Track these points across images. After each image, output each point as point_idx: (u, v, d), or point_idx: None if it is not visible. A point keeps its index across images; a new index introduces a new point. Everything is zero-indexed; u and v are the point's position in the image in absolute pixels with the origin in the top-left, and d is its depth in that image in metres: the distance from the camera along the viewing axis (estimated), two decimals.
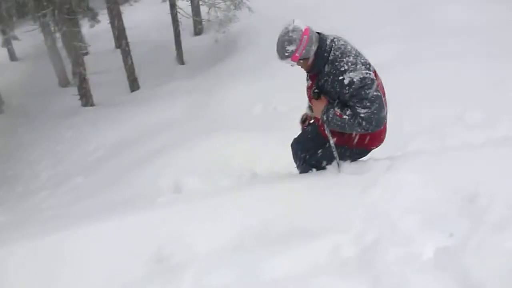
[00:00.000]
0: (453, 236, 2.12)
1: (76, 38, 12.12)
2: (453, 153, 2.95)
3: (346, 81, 2.65)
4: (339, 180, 2.87)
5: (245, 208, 2.72)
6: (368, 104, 2.63)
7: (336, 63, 2.70)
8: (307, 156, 3.32)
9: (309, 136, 3.32)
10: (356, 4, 12.52)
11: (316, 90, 2.92)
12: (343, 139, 3.00)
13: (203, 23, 16.72)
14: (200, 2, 16.17)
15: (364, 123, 2.66)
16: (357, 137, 2.93)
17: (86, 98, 12.02)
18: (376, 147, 3.11)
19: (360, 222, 2.34)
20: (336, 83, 2.71)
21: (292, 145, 3.45)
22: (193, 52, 15.26)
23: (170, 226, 2.62)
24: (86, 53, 15.32)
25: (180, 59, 15.08)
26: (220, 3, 14.65)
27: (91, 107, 11.97)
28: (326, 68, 2.76)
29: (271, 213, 2.59)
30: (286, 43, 2.70)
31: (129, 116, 9.62)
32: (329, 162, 3.16)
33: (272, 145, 5.46)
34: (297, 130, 3.61)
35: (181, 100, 9.68)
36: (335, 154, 3.02)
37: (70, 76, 13.44)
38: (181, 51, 14.96)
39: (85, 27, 15.98)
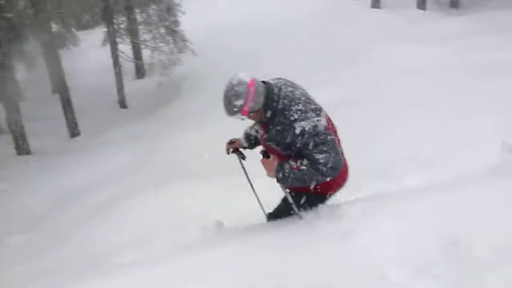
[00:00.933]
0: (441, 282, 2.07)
1: (10, 84, 11.48)
2: (425, 195, 2.92)
3: (297, 131, 2.58)
4: (315, 229, 2.72)
5: (220, 269, 2.50)
6: (325, 148, 2.56)
7: (286, 112, 2.62)
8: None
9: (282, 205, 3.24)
10: (299, 49, 12.92)
11: (263, 150, 2.84)
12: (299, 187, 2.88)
13: (146, 66, 16.54)
14: (142, 46, 16.05)
15: (324, 169, 2.56)
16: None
17: (21, 146, 11.32)
18: (335, 191, 3.03)
19: (346, 275, 2.21)
20: (286, 133, 2.63)
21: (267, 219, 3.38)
22: (135, 96, 14.99)
23: None
24: (22, 99, 14.50)
25: (122, 103, 14.71)
26: (163, 46, 14.62)
27: (27, 156, 11.26)
28: (276, 118, 2.67)
29: (251, 272, 2.38)
30: (233, 98, 2.59)
31: (70, 166, 9.11)
32: (289, 214, 3.07)
33: (230, 191, 5.31)
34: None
35: (127, 147, 9.35)
36: (295, 209, 2.94)
37: (3, 123, 12.62)
38: (123, 95, 14.63)
39: (21, 72, 15.24)
